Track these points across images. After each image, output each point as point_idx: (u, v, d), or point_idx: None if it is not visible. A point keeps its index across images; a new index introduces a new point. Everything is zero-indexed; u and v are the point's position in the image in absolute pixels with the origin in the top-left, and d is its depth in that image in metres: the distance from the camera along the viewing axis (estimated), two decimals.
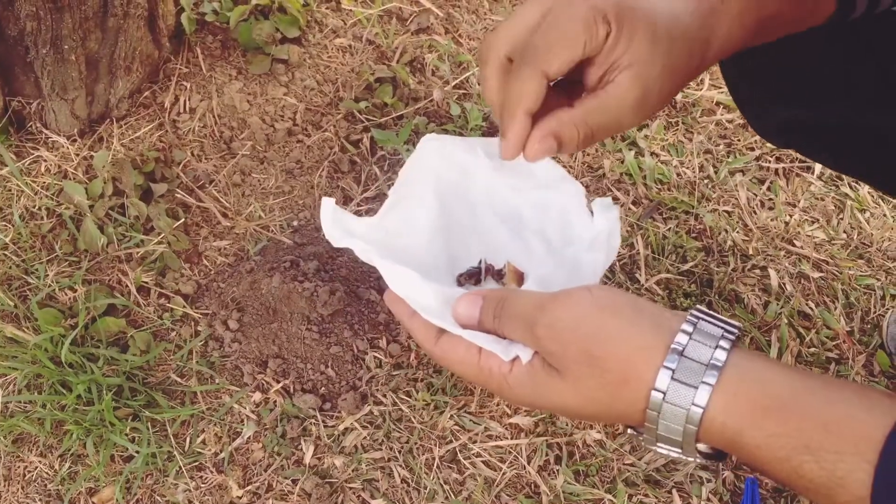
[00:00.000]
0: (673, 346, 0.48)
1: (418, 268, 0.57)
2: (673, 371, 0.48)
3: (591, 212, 0.63)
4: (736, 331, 0.50)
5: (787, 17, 0.59)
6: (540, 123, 0.54)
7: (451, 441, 1.05)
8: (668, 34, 0.53)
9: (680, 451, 0.51)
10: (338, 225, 0.59)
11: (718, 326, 0.50)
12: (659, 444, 0.51)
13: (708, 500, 1.02)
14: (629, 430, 0.55)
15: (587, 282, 0.58)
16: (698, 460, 0.52)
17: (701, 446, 0.51)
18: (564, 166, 1.26)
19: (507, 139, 0.55)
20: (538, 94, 0.53)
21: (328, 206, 0.60)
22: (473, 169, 0.63)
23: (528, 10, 0.55)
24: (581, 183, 1.25)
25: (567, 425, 1.06)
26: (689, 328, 0.49)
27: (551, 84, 0.55)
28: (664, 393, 0.48)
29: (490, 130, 1.29)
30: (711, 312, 0.51)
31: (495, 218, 0.66)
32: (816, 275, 1.20)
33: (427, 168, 0.63)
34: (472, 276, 0.64)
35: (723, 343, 0.49)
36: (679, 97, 1.35)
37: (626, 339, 0.50)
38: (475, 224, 0.66)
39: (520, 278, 0.63)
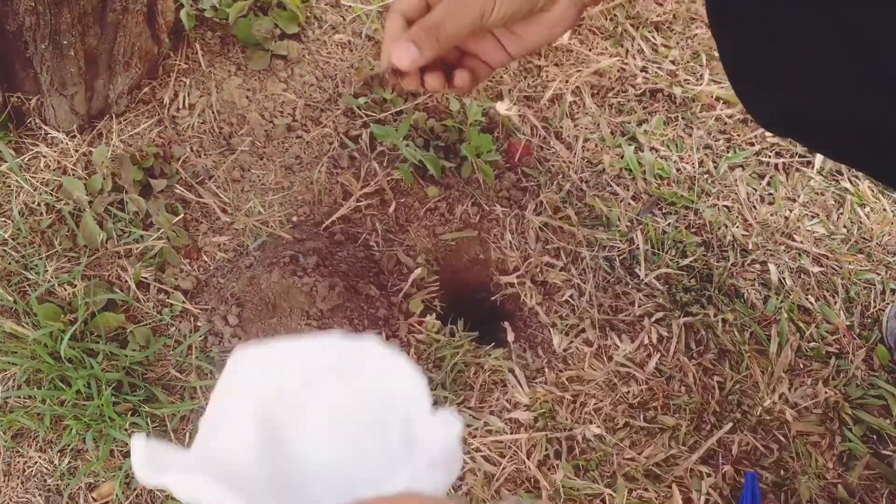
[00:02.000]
0: None
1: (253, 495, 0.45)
2: None
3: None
4: None
5: None
6: None
7: None
8: None
9: None
10: (153, 463, 0.45)
11: None
12: None
13: (708, 494, 1.02)
14: None
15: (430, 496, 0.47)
16: None
17: None
18: (566, 161, 1.26)
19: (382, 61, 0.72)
20: (392, 27, 0.71)
21: (139, 444, 0.45)
22: (303, 373, 0.52)
23: None
24: (580, 178, 1.26)
25: (567, 420, 1.06)
26: None
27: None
28: None
29: (489, 126, 1.29)
30: None
31: (328, 425, 0.52)
32: (816, 269, 1.20)
33: (244, 385, 0.51)
34: None
35: None
36: (679, 92, 1.35)
37: None
38: (309, 436, 0.52)
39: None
